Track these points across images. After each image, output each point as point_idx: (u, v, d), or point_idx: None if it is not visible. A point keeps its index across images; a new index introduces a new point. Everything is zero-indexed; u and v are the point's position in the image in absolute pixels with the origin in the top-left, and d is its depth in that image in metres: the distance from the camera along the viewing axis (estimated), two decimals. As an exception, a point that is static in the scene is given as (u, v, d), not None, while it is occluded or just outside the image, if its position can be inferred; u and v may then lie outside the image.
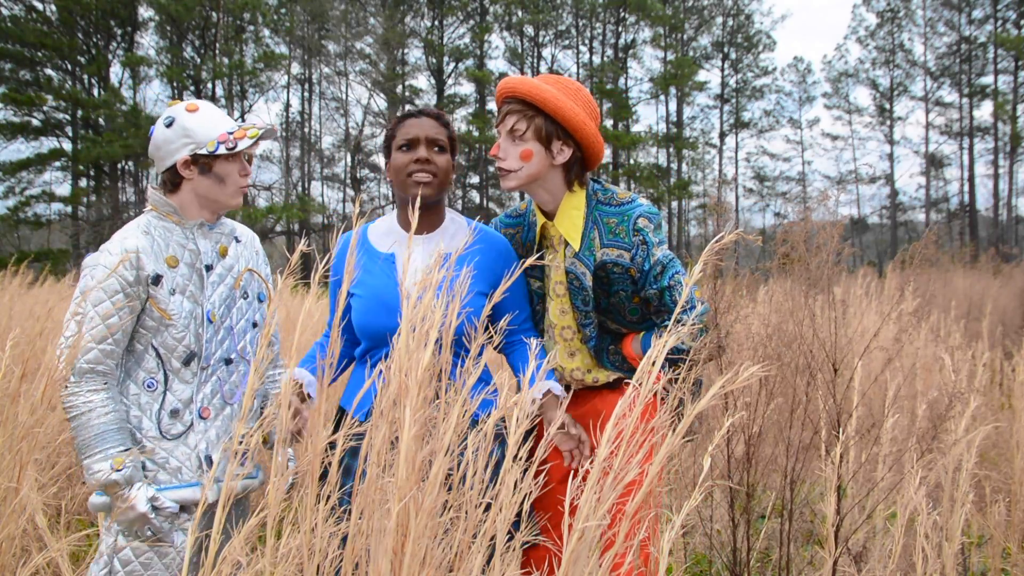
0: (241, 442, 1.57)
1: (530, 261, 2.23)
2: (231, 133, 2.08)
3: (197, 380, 2.06)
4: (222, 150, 2.05)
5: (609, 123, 35.07)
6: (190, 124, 2.07)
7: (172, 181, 2.10)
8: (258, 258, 2.27)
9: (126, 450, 1.94)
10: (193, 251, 2.09)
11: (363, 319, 2.10)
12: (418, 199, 1.84)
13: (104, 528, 2.01)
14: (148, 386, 2.03)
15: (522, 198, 2.42)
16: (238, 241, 2.23)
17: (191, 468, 2.03)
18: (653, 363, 1.51)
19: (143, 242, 2.02)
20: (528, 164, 2.10)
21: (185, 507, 2.02)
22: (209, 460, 2.04)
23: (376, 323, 2.07)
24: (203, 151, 2.05)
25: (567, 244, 2.17)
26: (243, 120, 2.24)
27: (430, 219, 2.14)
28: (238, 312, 2.15)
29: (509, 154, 2.11)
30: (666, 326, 2.06)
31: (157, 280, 2.00)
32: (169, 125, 2.08)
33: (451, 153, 2.16)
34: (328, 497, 1.47)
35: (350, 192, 35.37)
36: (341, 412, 2.21)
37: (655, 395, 2.13)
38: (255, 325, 2.19)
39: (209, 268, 2.10)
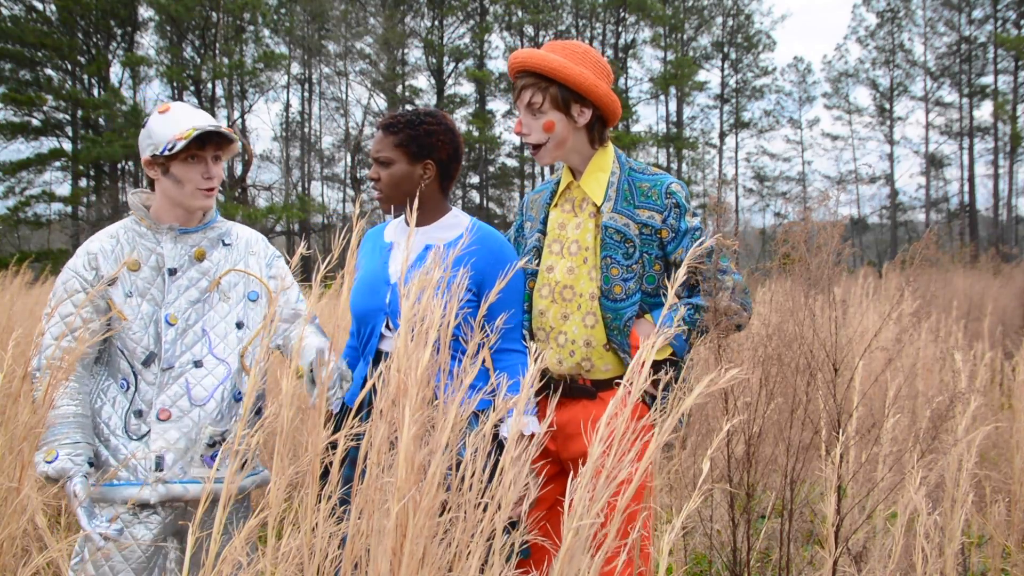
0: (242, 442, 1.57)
1: (521, 263, 2.22)
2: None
3: (159, 381, 2.05)
4: (165, 151, 2.05)
5: (609, 123, 34.99)
6: (154, 125, 2.09)
7: (148, 180, 2.17)
8: (252, 259, 2.24)
9: (71, 443, 1.96)
10: (159, 255, 2.12)
11: (351, 299, 2.24)
12: (387, 210, 2.21)
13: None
14: (122, 386, 2.08)
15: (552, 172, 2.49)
16: (226, 244, 2.21)
17: (145, 468, 2.03)
18: (643, 363, 1.51)
19: (106, 245, 2.10)
20: (553, 134, 2.19)
21: (150, 504, 2.04)
22: (160, 460, 2.04)
23: (358, 304, 2.21)
24: (157, 152, 2.07)
25: (593, 203, 2.22)
26: (229, 121, 2.27)
27: (424, 215, 2.22)
28: (216, 314, 2.14)
29: (532, 128, 2.21)
30: (698, 291, 2.21)
31: (112, 282, 2.06)
32: (144, 125, 2.13)
33: (408, 156, 2.18)
34: (329, 497, 1.47)
35: (350, 192, 35.38)
36: (345, 409, 2.23)
37: (643, 401, 2.14)
38: (240, 326, 2.16)
39: (173, 272, 2.11)
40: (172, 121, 2.08)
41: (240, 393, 2.16)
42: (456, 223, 2.23)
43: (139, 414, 2.04)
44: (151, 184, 2.16)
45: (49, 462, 1.93)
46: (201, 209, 2.15)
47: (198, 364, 2.09)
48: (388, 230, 2.32)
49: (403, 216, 2.29)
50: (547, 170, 36.29)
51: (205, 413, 2.08)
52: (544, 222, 2.31)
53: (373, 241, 2.33)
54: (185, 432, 2.05)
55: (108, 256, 2.09)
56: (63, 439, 1.97)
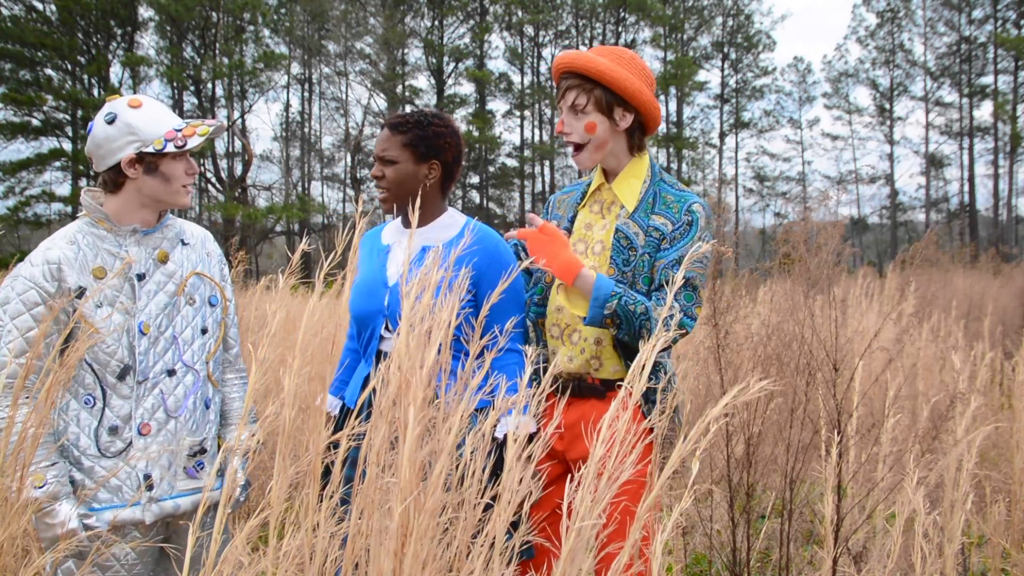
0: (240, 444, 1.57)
1: (524, 265, 2.22)
2: (179, 130, 1.98)
3: (135, 395, 1.95)
4: (170, 148, 1.95)
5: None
6: (134, 121, 1.95)
7: (114, 181, 1.99)
8: (210, 260, 2.15)
9: (50, 465, 1.87)
10: (125, 260, 1.98)
11: (351, 302, 2.26)
12: (389, 209, 2.21)
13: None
14: (86, 402, 1.94)
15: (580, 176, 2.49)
16: (184, 244, 2.10)
17: (131, 487, 1.95)
18: (643, 369, 1.52)
19: (67, 253, 1.92)
20: (595, 136, 2.20)
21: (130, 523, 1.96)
22: (148, 478, 1.96)
23: (358, 306, 2.22)
24: (149, 149, 1.95)
25: (622, 207, 2.23)
26: (192, 118, 2.18)
27: (423, 216, 2.22)
28: (183, 320, 2.04)
29: (574, 129, 2.21)
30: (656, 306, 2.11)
31: (80, 293, 1.90)
32: (111, 122, 1.95)
33: (414, 156, 2.18)
34: (331, 496, 1.47)
35: (350, 192, 35.38)
36: (345, 410, 2.24)
37: (637, 405, 2.13)
38: (204, 331, 2.08)
39: (141, 277, 1.99)
40: (156, 117, 1.98)
41: (209, 400, 2.10)
42: (452, 223, 2.25)
43: (114, 430, 1.94)
44: (109, 183, 2.00)
45: (39, 487, 1.84)
46: (185, 206, 2.07)
47: (171, 373, 2.00)
48: (386, 232, 2.32)
49: (400, 218, 2.29)
50: (548, 170, 36.33)
51: (181, 424, 2.01)
52: (571, 221, 2.32)
53: (371, 243, 2.34)
54: (165, 445, 1.98)
55: (72, 265, 1.92)
56: (43, 462, 1.86)
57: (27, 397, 1.86)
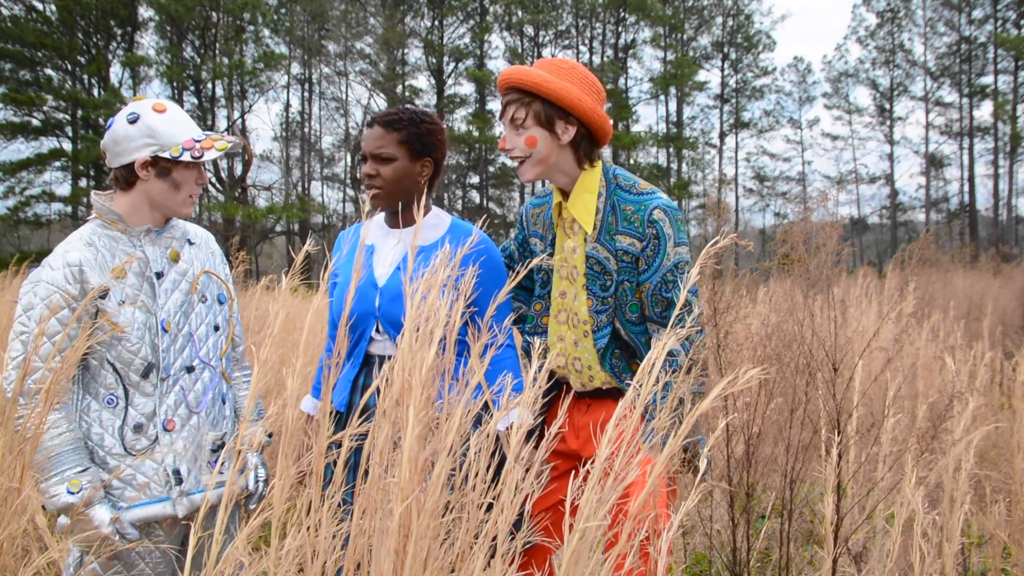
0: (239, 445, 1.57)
1: (521, 274, 2.21)
2: (198, 141, 2.01)
3: (159, 392, 1.98)
4: (187, 157, 1.98)
5: (609, 123, 34.99)
6: (156, 124, 1.98)
7: (125, 179, 2.01)
8: (214, 259, 2.18)
9: (83, 470, 1.88)
10: (141, 259, 2.01)
11: (335, 302, 2.22)
12: (383, 207, 2.17)
13: (70, 544, 1.97)
14: (109, 402, 1.96)
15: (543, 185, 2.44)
16: (191, 243, 2.14)
17: (159, 483, 1.97)
18: (652, 368, 1.51)
19: (86, 254, 1.94)
20: (536, 150, 2.13)
21: (157, 521, 1.98)
22: (176, 473, 1.98)
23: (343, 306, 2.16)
24: (166, 155, 1.98)
25: (585, 232, 2.19)
26: (211, 129, 2.19)
27: (408, 216, 2.20)
28: (197, 317, 2.07)
29: (515, 144, 2.15)
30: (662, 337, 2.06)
31: (104, 293, 1.92)
32: (133, 121, 1.98)
33: (410, 153, 2.14)
34: (332, 496, 1.47)
35: (350, 192, 35.38)
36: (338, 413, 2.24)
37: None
38: (216, 328, 2.11)
39: (160, 275, 2.02)
40: (177, 124, 2.01)
41: (225, 396, 2.13)
42: (439, 223, 2.22)
43: (139, 428, 1.96)
44: (120, 180, 2.02)
45: (75, 493, 1.85)
46: (188, 215, 2.10)
47: (189, 370, 2.04)
48: (369, 231, 2.27)
49: (382, 216, 2.27)
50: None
51: (202, 419, 2.04)
52: (552, 244, 2.28)
53: (352, 243, 2.28)
54: (190, 441, 2.02)
55: (93, 266, 1.94)
56: (75, 467, 1.88)
57: (57, 402, 1.87)
